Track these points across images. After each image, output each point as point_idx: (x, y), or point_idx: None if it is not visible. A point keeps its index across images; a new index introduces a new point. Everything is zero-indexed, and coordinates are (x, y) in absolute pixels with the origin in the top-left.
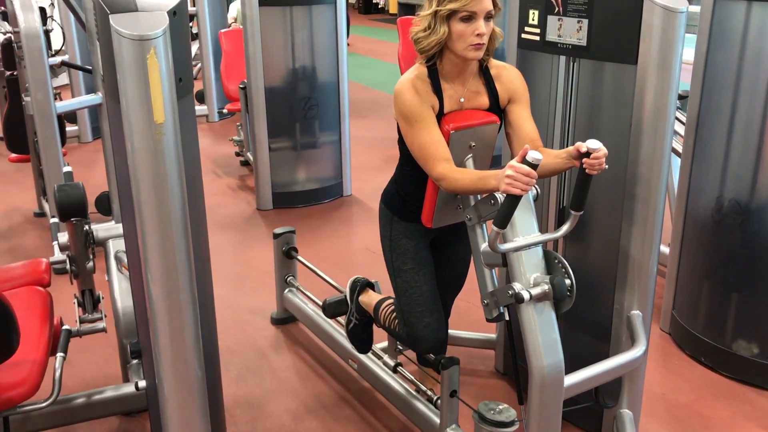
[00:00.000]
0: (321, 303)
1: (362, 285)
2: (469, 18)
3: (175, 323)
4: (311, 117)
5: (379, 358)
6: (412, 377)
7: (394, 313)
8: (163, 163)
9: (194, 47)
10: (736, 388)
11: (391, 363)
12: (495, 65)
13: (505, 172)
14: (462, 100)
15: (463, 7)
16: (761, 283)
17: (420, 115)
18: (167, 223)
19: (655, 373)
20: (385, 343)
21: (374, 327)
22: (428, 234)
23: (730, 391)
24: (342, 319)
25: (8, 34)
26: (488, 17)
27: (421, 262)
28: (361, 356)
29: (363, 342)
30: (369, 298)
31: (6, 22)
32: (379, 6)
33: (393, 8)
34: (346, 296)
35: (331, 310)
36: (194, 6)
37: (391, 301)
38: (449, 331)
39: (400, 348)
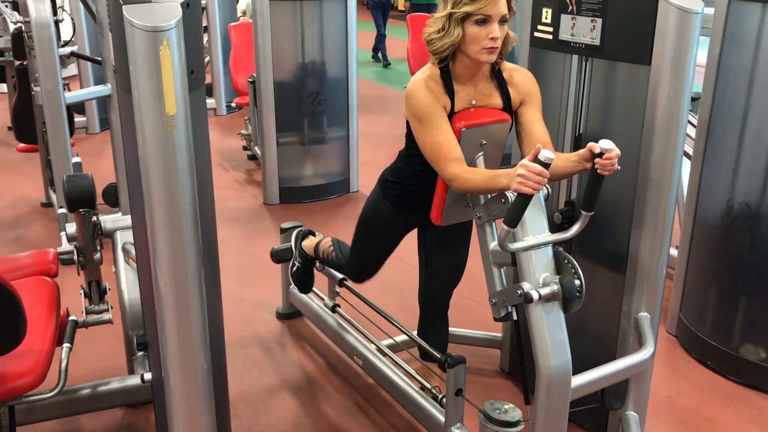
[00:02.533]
0: (269, 250)
1: (304, 233)
2: (484, 21)
3: (182, 316)
4: (319, 112)
5: (321, 299)
6: (417, 375)
7: (332, 248)
8: (174, 156)
9: (203, 40)
10: (743, 392)
11: (330, 303)
12: (508, 68)
13: (516, 171)
14: (473, 102)
15: (478, 11)
16: None
17: (432, 114)
18: (177, 215)
19: (661, 376)
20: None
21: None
22: (413, 225)
23: (737, 395)
24: (348, 315)
25: (19, 24)
26: (503, 21)
27: (387, 248)
28: (367, 353)
29: (305, 283)
30: (310, 242)
31: (17, 12)
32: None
33: (402, 5)
34: (291, 245)
35: (278, 255)
36: None
37: (329, 239)
38: (454, 329)
39: (337, 287)
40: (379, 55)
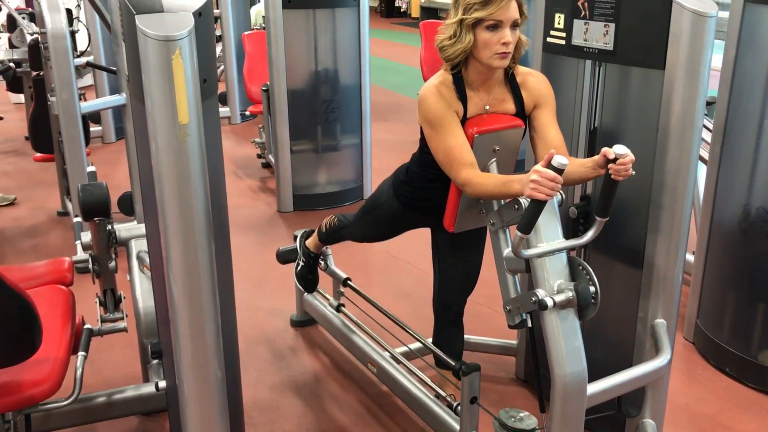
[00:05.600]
0: (276, 251)
1: (308, 233)
2: (495, 27)
3: (196, 324)
4: (333, 120)
5: (349, 318)
6: (432, 383)
7: (334, 217)
8: (186, 164)
9: (217, 49)
10: (762, 399)
11: (335, 303)
12: (521, 72)
13: (530, 177)
14: (487, 107)
15: (489, 16)
16: None
17: (445, 119)
18: (190, 223)
19: (678, 383)
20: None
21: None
22: (418, 225)
23: (756, 403)
24: (358, 320)
25: (35, 35)
26: (514, 26)
27: (389, 235)
28: (381, 361)
29: (309, 282)
30: (313, 239)
31: (33, 23)
32: (402, 10)
33: (415, 12)
34: (296, 246)
35: (283, 256)
36: (218, 8)
37: (331, 215)
38: (469, 337)
39: (341, 291)
40: None
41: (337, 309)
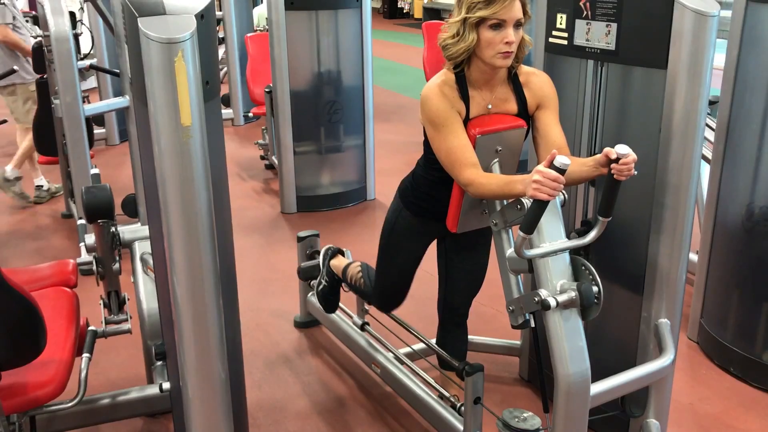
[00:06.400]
0: (297, 267)
1: (333, 252)
2: (499, 26)
3: (200, 325)
4: (336, 121)
5: (350, 317)
6: (436, 383)
7: (360, 275)
8: (189, 166)
9: (220, 51)
10: (766, 399)
11: (359, 322)
12: (524, 72)
13: (532, 177)
14: (489, 107)
15: (492, 15)
16: None
17: (447, 119)
18: (193, 225)
19: (682, 383)
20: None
21: (341, 291)
22: (434, 234)
23: (760, 403)
24: (359, 320)
25: (39, 38)
26: (518, 25)
27: (410, 263)
28: (385, 362)
29: (330, 303)
30: (339, 262)
31: (37, 26)
32: (404, 11)
33: (418, 13)
34: (319, 262)
35: (305, 273)
36: (221, 10)
37: (358, 264)
38: (473, 337)
39: (366, 308)
40: None
41: (362, 328)
